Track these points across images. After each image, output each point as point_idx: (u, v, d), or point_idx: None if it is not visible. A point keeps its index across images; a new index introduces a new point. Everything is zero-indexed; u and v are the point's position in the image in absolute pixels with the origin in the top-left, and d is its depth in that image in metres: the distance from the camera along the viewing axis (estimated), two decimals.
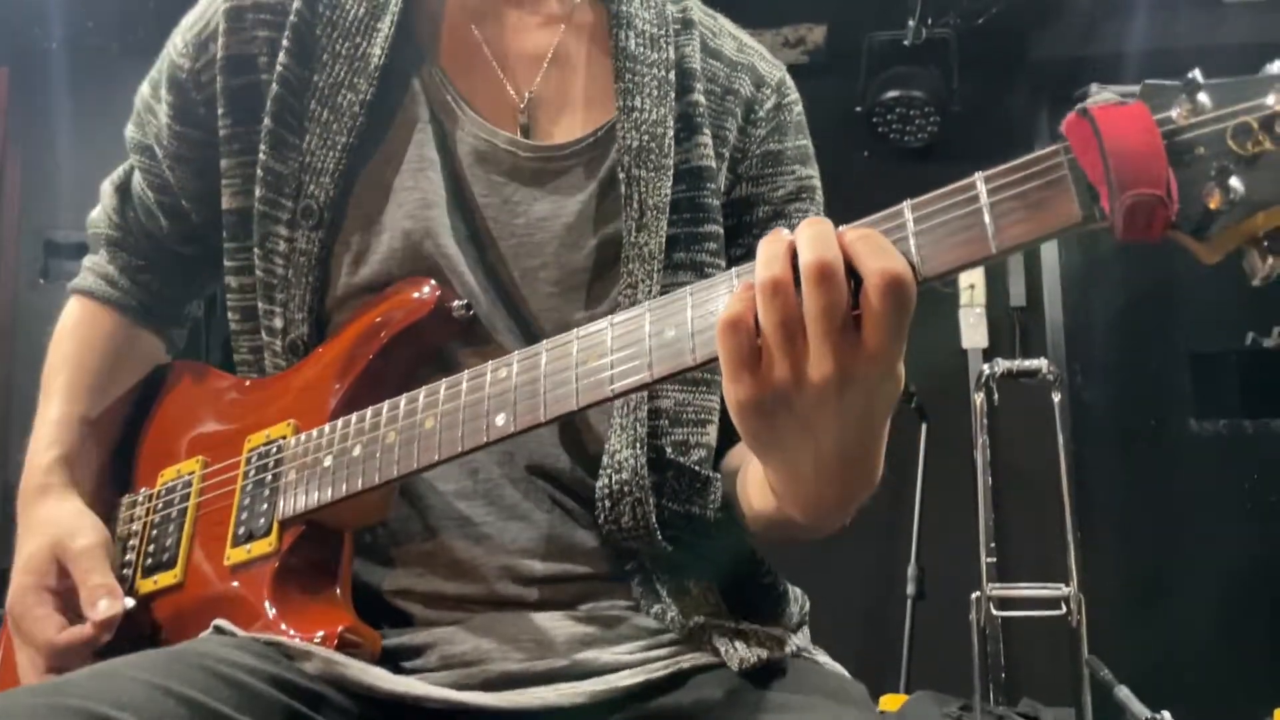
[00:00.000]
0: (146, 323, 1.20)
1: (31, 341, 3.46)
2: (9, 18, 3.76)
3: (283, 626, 0.90)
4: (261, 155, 1.02)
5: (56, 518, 1.06)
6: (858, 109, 4.03)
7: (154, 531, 1.05)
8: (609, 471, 0.96)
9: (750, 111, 1.09)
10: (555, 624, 0.95)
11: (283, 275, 1.02)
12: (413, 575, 0.98)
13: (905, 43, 3.95)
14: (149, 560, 1.04)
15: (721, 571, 1.03)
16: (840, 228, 0.71)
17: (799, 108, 1.13)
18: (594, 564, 0.99)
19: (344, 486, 0.92)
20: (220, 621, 0.92)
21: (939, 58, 3.99)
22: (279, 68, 1.02)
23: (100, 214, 1.21)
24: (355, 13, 1.03)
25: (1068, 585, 3.15)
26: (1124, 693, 2.96)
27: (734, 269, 0.76)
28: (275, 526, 0.95)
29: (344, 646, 0.88)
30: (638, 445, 0.96)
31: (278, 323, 1.03)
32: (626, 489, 0.95)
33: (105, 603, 0.99)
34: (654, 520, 0.95)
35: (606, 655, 0.93)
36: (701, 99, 1.05)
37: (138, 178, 1.16)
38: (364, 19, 1.03)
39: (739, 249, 1.06)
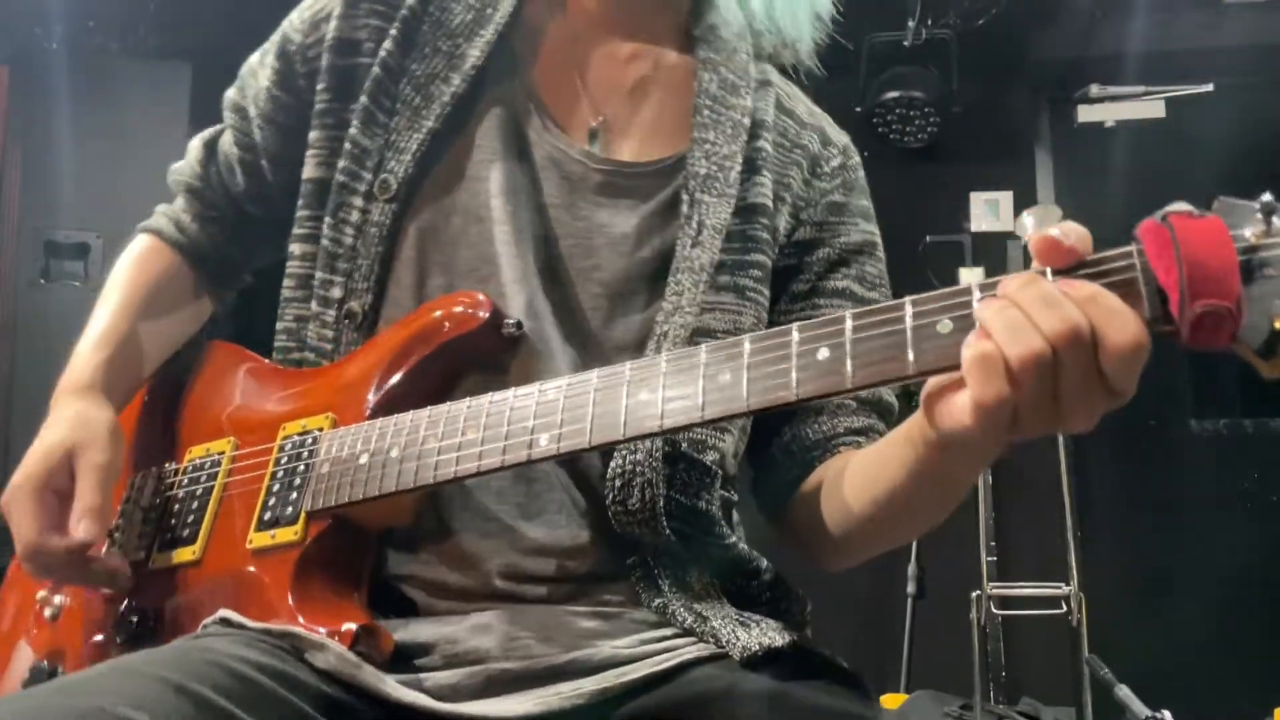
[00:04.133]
0: (202, 271, 1.26)
1: (31, 341, 3.49)
2: (9, 18, 3.76)
3: (299, 618, 0.90)
4: (352, 130, 1.09)
5: (87, 420, 1.06)
6: (858, 109, 4.03)
7: (177, 507, 1.06)
8: (623, 452, 0.98)
9: (816, 165, 1.17)
10: (556, 620, 0.96)
11: (350, 245, 1.07)
12: (419, 563, 0.99)
13: (905, 43, 3.95)
14: (168, 535, 1.04)
15: (722, 568, 1.04)
16: (1048, 280, 0.72)
17: (862, 173, 1.21)
18: (596, 561, 1.00)
19: (378, 486, 0.92)
20: (227, 613, 0.92)
21: (939, 58, 3.99)
22: (382, 53, 1.10)
23: (185, 164, 1.27)
24: (463, 18, 1.12)
25: (1068, 584, 3.16)
26: (1124, 692, 2.97)
27: (794, 324, 0.79)
28: (303, 516, 0.95)
29: (357, 645, 0.88)
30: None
31: (335, 292, 1.07)
32: (638, 469, 0.97)
33: (85, 524, 0.99)
34: (661, 505, 0.97)
35: (607, 649, 0.94)
36: (768, 147, 1.14)
37: (227, 136, 1.24)
38: (470, 24, 1.12)
39: (801, 284, 1.14)
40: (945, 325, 0.73)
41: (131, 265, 1.23)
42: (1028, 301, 0.70)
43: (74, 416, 1.06)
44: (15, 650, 1.11)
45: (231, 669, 0.80)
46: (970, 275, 4.28)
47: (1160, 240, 0.69)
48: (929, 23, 3.89)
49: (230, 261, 1.29)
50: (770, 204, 1.11)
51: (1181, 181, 4.10)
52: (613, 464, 0.98)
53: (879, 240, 1.19)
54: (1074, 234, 0.73)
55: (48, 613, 1.09)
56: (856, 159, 1.21)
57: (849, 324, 0.77)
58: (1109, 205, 4.22)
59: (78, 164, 3.57)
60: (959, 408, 0.74)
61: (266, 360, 1.13)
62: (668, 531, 0.98)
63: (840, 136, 1.22)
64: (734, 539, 1.07)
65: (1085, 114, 4.28)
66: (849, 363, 0.76)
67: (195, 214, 1.25)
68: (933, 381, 0.77)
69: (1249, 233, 0.68)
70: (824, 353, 0.77)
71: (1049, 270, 0.72)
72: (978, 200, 4.33)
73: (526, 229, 1.07)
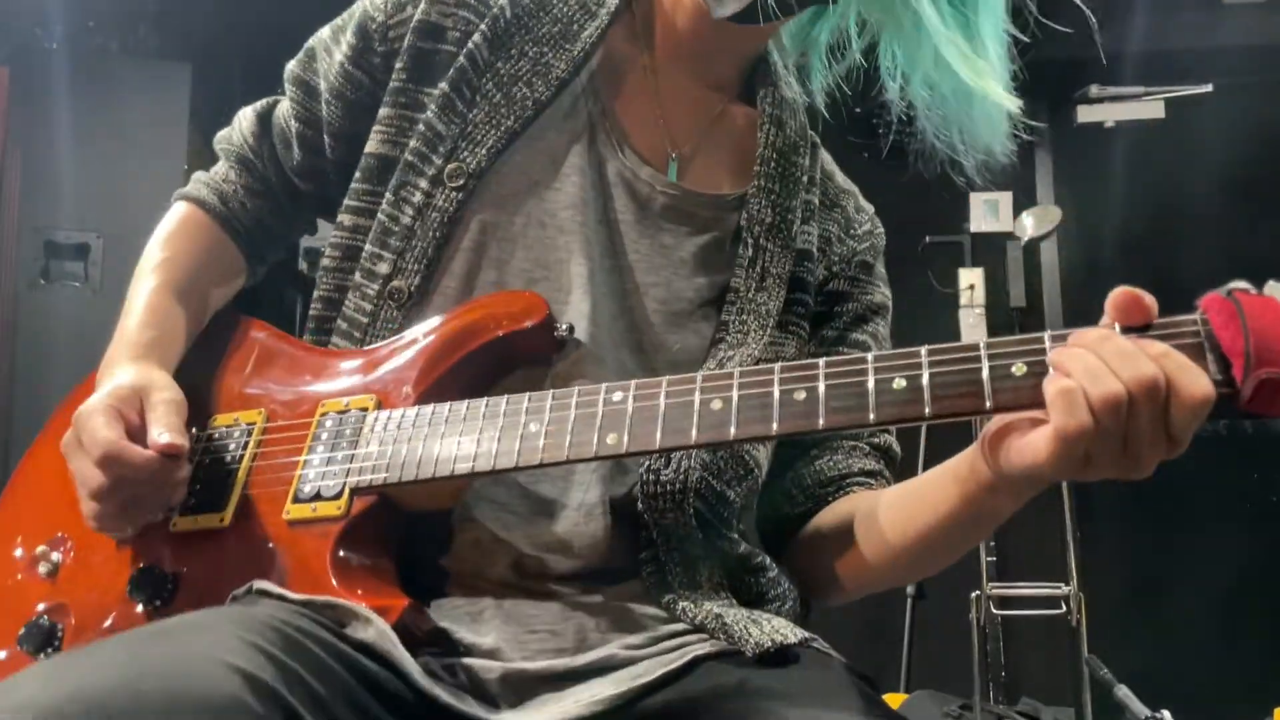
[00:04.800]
0: (241, 246, 1.26)
1: (31, 341, 3.49)
2: (9, 18, 3.76)
3: (342, 591, 0.90)
4: (429, 113, 1.11)
5: (149, 374, 1.07)
6: (858, 109, 4.03)
7: (201, 472, 1.05)
8: None
9: (850, 226, 1.25)
10: (569, 616, 0.97)
11: (407, 225, 1.09)
12: (437, 548, 1.00)
13: None
14: (193, 499, 1.03)
15: (730, 564, 1.05)
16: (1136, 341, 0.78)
17: (883, 243, 1.29)
18: (608, 557, 1.01)
19: (432, 469, 0.94)
20: (263, 584, 0.92)
21: None
22: (470, 45, 1.13)
23: (235, 133, 1.28)
24: (551, 30, 1.16)
25: (1067, 584, 3.16)
26: (1123, 692, 2.97)
27: (869, 354, 0.85)
28: (347, 492, 0.96)
29: (402, 621, 0.89)
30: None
31: (383, 268, 1.09)
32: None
33: (169, 436, 1.00)
34: (693, 482, 1.00)
35: (618, 648, 0.95)
36: (816, 201, 1.22)
37: (284, 108, 1.25)
38: (558, 36, 1.15)
39: (830, 331, 1.21)
40: (1020, 368, 0.80)
41: (174, 237, 1.22)
42: (1107, 353, 0.76)
43: (136, 372, 1.06)
44: (6, 605, 1.08)
45: (286, 634, 0.80)
46: (970, 275, 4.28)
47: (1226, 311, 0.77)
48: None
49: (270, 235, 1.29)
50: (815, 251, 1.19)
51: (1181, 182, 4.11)
52: None
53: (891, 306, 1.28)
54: (1149, 297, 0.80)
55: (43, 569, 1.07)
56: (881, 229, 1.29)
57: (925, 358, 0.83)
58: (1109, 205, 4.23)
59: (78, 164, 3.57)
60: (1033, 443, 0.80)
61: (296, 339, 1.14)
62: (691, 511, 1.00)
63: (868, 206, 1.30)
64: (743, 538, 1.08)
65: (1085, 114, 4.29)
66: (925, 394, 0.82)
67: (242, 184, 1.25)
68: (994, 423, 0.86)
69: None
70: (900, 383, 0.83)
71: (1118, 326, 0.79)
72: (977, 200, 4.34)
73: (595, 238, 1.10)
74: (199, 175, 1.27)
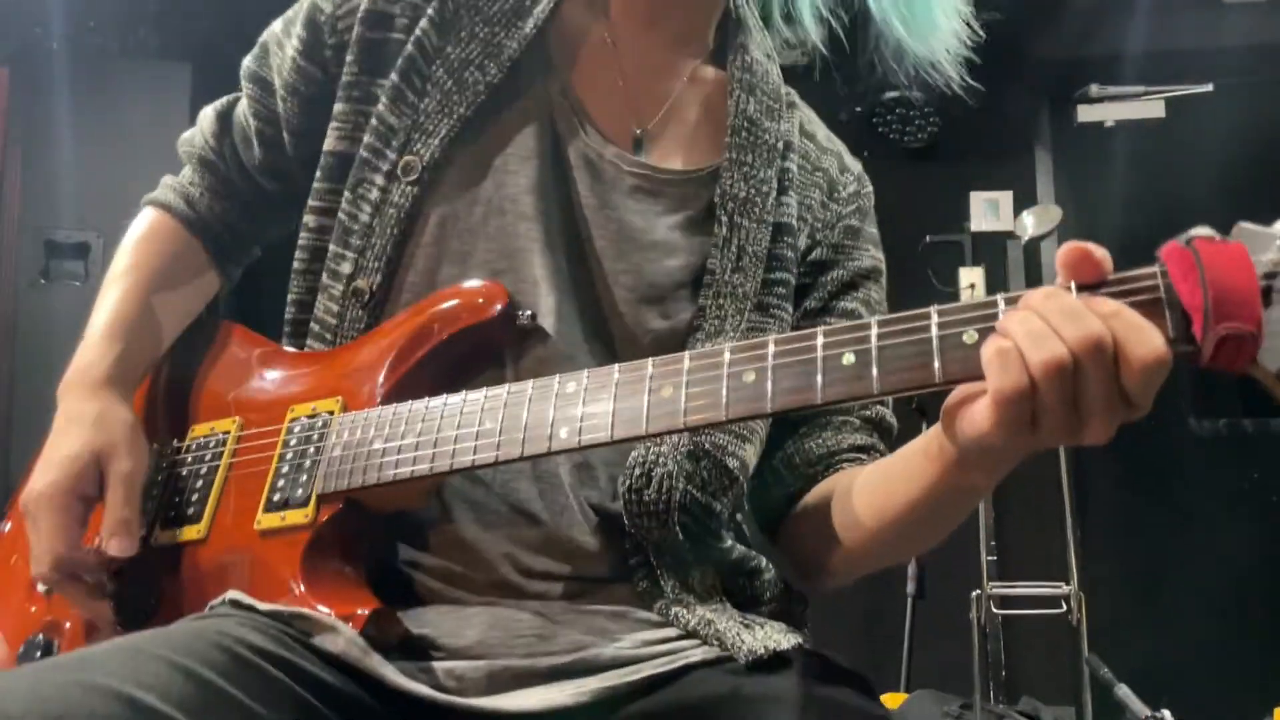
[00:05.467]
0: (211, 247, 1.23)
1: (32, 341, 3.48)
2: (9, 18, 3.76)
3: (310, 601, 0.90)
4: (380, 106, 1.08)
5: (110, 423, 1.04)
6: (858, 109, 4.03)
7: (180, 484, 1.05)
8: (647, 443, 0.98)
9: (834, 190, 1.18)
10: (559, 618, 0.95)
11: (366, 223, 1.06)
12: (420, 550, 0.99)
13: None
14: (172, 512, 1.04)
15: (725, 570, 1.04)
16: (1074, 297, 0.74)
17: (872, 202, 1.23)
18: (599, 561, 0.99)
19: (392, 471, 0.92)
20: (236, 594, 0.92)
21: None
22: (418, 32, 1.09)
23: (196, 134, 1.25)
24: (502, 7, 1.11)
25: (1068, 584, 3.15)
26: (1124, 691, 2.97)
27: (820, 327, 0.80)
28: (314, 499, 0.95)
29: (368, 629, 0.88)
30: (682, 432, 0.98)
31: (345, 268, 1.06)
32: (660, 460, 0.98)
33: (118, 542, 0.99)
34: (676, 499, 0.97)
35: (610, 650, 0.93)
36: (794, 168, 1.14)
37: (243, 106, 1.21)
38: (508, 14, 1.10)
39: (814, 302, 1.14)
40: (971, 336, 0.75)
41: (141, 244, 1.20)
42: (1051, 312, 0.72)
43: (95, 418, 1.04)
44: (7, 623, 1.09)
45: (237, 654, 0.80)
46: (970, 275, 4.28)
47: (1185, 263, 0.71)
48: None
49: (240, 236, 1.26)
50: (795, 224, 1.12)
51: (1181, 181, 4.10)
52: (634, 453, 0.98)
53: (884, 268, 1.21)
54: (1100, 251, 0.75)
55: (42, 586, 1.07)
56: (870, 188, 1.23)
57: (874, 330, 0.78)
58: (1109, 205, 4.22)
59: (78, 164, 3.57)
60: (979, 412, 0.75)
61: (272, 342, 1.13)
62: (677, 527, 0.98)
63: (855, 164, 1.23)
64: (737, 543, 1.07)
65: (1085, 114, 4.28)
66: (874, 369, 0.76)
67: (206, 187, 1.23)
68: (953, 395, 0.79)
69: (1268, 258, 0.70)
70: (849, 358, 0.77)
71: (1073, 285, 0.74)
72: (977, 200, 4.33)
73: (557, 227, 1.06)
74: (166, 179, 1.25)
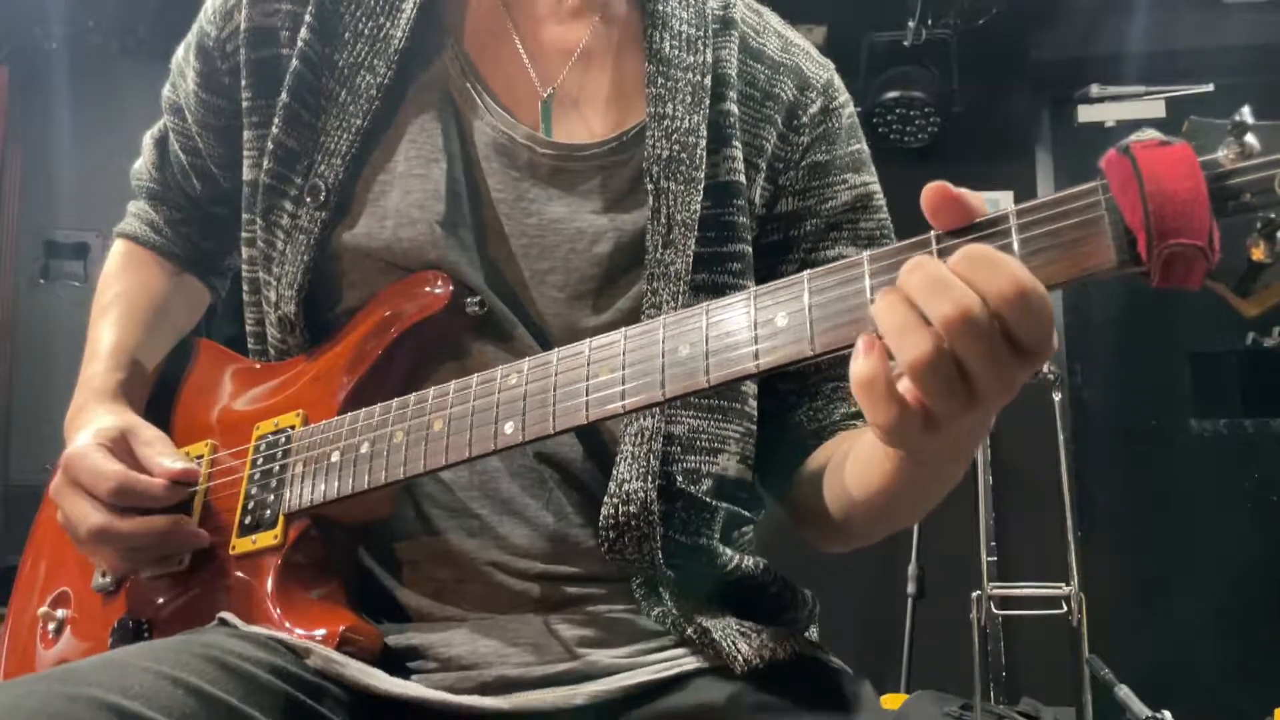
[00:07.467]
0: (189, 269, 1.23)
1: (31, 341, 3.48)
2: (9, 18, 3.76)
3: (285, 624, 0.90)
4: (274, 129, 1.00)
5: (127, 417, 1.04)
6: (858, 109, 4.02)
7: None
8: (615, 502, 0.91)
9: (793, 118, 1.04)
10: (554, 626, 0.94)
11: (281, 250, 1.00)
12: (408, 564, 0.97)
13: (905, 43, 3.95)
14: None
15: (723, 579, 1.00)
16: (928, 252, 0.66)
17: (849, 109, 1.08)
18: (592, 565, 0.96)
19: (350, 483, 0.91)
20: (226, 615, 0.92)
21: (939, 58, 3.99)
22: (300, 43, 1.00)
23: (142, 166, 1.23)
24: None
25: (1068, 584, 3.15)
26: (1124, 692, 2.96)
27: (752, 289, 0.73)
28: (281, 519, 0.94)
29: (345, 645, 0.87)
30: (649, 478, 0.92)
31: (272, 295, 1.02)
32: (634, 523, 0.91)
33: (180, 463, 0.98)
34: (660, 555, 0.92)
35: (606, 658, 0.92)
36: (735, 108, 1.01)
37: (171, 138, 1.18)
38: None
39: (791, 265, 1.02)
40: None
41: (123, 273, 1.19)
42: (916, 289, 0.64)
43: (113, 416, 1.04)
44: (25, 666, 1.09)
45: (225, 662, 0.80)
46: None
47: (1124, 174, 0.62)
48: (929, 23, 3.88)
49: (211, 253, 1.24)
50: (743, 178, 0.99)
51: None
52: (604, 513, 0.92)
53: (875, 189, 1.06)
54: (957, 190, 0.68)
55: (51, 627, 1.08)
56: (841, 97, 1.07)
57: (806, 284, 0.71)
58: None
59: (78, 164, 3.57)
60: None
61: (244, 357, 1.12)
62: (667, 570, 0.94)
63: (820, 73, 1.07)
64: (738, 559, 0.99)
65: (1085, 114, 4.28)
66: (809, 329, 0.69)
67: (163, 217, 1.21)
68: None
69: (1221, 155, 0.61)
70: (782, 320, 0.71)
71: (934, 236, 0.67)
72: None
73: (472, 232, 0.98)
74: (131, 207, 1.24)
